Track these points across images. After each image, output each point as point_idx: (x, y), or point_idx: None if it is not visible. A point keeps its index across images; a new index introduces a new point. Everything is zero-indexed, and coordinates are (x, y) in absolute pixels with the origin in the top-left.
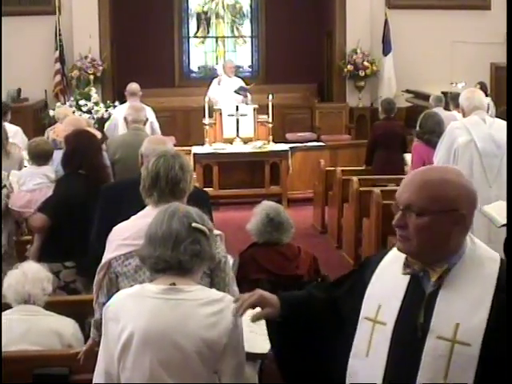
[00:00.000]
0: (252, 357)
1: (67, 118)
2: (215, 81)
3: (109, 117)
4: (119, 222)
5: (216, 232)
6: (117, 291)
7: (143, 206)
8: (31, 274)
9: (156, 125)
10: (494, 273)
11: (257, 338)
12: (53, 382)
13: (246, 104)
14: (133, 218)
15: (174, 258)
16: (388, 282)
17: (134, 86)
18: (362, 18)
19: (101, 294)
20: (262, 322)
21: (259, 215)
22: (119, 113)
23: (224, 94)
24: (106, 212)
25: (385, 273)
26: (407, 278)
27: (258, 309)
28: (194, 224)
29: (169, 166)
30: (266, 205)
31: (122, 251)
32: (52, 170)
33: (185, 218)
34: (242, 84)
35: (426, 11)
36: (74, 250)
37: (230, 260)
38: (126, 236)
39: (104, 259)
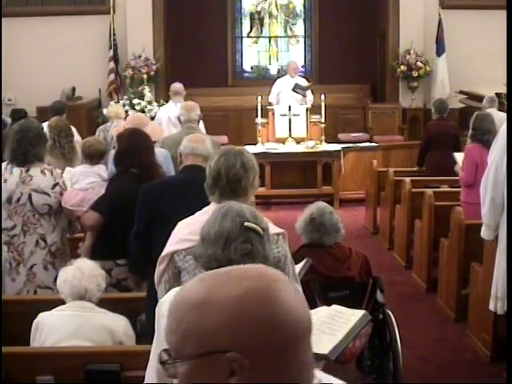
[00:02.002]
0: (314, 357)
1: (130, 115)
2: (277, 88)
3: None
4: (157, 222)
5: (278, 230)
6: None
7: (182, 205)
8: (87, 270)
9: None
10: None
11: (322, 338)
12: (104, 378)
13: (305, 104)
14: (196, 213)
15: (224, 257)
16: None
17: (177, 86)
18: (415, 18)
19: (160, 292)
20: (334, 318)
21: (305, 214)
22: (163, 112)
23: (284, 94)
24: (145, 212)
25: None
26: None
27: None
28: (246, 223)
29: (230, 164)
30: (315, 205)
31: (182, 246)
32: (105, 169)
33: (237, 218)
34: (299, 82)
35: (479, 11)
36: (126, 247)
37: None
38: (187, 231)
39: (164, 251)
